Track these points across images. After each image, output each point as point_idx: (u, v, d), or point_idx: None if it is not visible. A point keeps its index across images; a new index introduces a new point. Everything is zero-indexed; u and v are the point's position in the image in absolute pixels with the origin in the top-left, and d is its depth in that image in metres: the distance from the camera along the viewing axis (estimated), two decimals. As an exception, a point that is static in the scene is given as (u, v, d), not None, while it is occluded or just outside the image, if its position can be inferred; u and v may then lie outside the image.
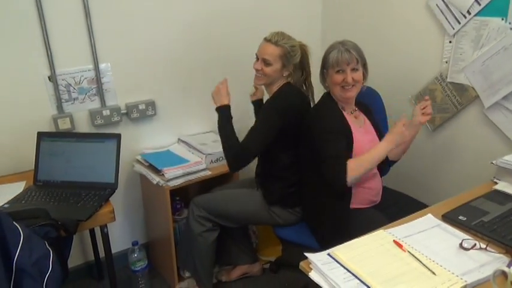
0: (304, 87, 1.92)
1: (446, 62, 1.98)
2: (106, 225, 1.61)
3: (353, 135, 1.67)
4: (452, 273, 1.11)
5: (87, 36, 1.96)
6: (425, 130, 2.12)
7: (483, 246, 1.21)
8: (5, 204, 1.55)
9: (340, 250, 1.23)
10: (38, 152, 1.76)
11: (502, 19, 1.73)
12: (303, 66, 1.87)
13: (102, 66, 2.03)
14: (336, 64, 1.65)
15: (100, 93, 2.06)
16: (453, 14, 1.89)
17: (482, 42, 1.81)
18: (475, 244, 1.21)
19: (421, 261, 1.17)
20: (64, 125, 1.97)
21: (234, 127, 1.77)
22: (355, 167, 1.56)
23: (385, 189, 1.84)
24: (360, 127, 1.76)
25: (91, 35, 1.96)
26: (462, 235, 1.28)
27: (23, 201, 1.60)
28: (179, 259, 2.09)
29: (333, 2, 2.52)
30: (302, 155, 1.80)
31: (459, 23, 1.88)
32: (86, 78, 2.02)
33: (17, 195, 1.65)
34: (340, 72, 1.65)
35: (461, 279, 1.09)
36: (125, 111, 2.13)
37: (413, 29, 2.08)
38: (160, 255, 2.19)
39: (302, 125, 1.76)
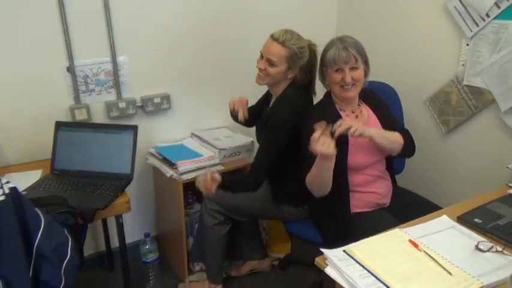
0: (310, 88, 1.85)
1: (463, 65, 1.97)
2: (121, 216, 1.63)
3: (349, 139, 1.59)
4: (469, 274, 1.12)
5: (105, 29, 1.98)
6: (439, 132, 2.12)
7: (499, 249, 1.21)
8: (23, 191, 1.57)
9: (356, 247, 1.23)
10: (55, 141, 1.78)
11: (522, 23, 1.72)
12: (310, 67, 1.77)
13: (119, 59, 2.05)
14: (333, 63, 1.57)
15: (116, 85, 2.08)
16: (471, 17, 1.89)
17: (501, 46, 1.81)
18: (492, 246, 1.21)
19: (437, 261, 1.17)
20: (81, 115, 1.99)
21: None
22: (310, 181, 1.56)
23: (398, 190, 1.83)
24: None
25: (109, 28, 1.98)
26: (478, 237, 1.29)
27: (41, 189, 1.62)
28: (191, 252, 2.11)
29: (349, 0, 2.52)
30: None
31: (477, 25, 1.87)
32: (103, 70, 2.04)
33: (34, 183, 1.67)
34: (338, 71, 1.58)
35: (478, 280, 1.09)
36: (140, 104, 2.15)
37: (430, 31, 2.08)
38: (171, 248, 2.21)
39: None
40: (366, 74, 1.65)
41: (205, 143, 2.22)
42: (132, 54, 2.07)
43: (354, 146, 1.62)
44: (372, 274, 1.13)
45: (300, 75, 1.75)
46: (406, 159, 1.99)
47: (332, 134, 1.45)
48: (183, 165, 1.99)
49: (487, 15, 1.83)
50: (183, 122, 2.33)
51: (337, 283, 1.17)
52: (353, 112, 1.70)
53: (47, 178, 1.71)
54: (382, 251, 1.22)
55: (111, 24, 1.98)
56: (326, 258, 1.21)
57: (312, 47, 1.76)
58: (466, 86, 1.97)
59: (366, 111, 1.73)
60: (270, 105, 1.85)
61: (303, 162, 1.60)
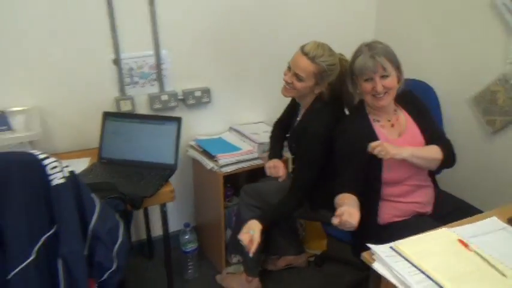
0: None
1: (511, 63, 1.90)
2: (165, 204, 1.67)
3: None
4: (524, 277, 1.08)
5: (150, 23, 2.02)
6: (484, 133, 2.06)
7: (555, 251, 1.17)
8: (74, 177, 1.62)
9: (404, 244, 1.22)
10: (102, 130, 1.84)
11: None
12: (340, 83, 1.69)
13: (162, 52, 2.09)
14: (361, 72, 1.50)
15: (159, 78, 2.13)
16: (522, 13, 1.82)
17: (553, 43, 1.74)
18: (548, 249, 1.17)
19: (489, 262, 1.14)
20: (125, 107, 2.05)
21: None
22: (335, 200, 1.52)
23: (441, 196, 1.75)
24: (398, 137, 1.60)
25: (154, 22, 2.02)
26: (531, 239, 1.25)
27: (90, 176, 1.68)
28: (228, 244, 2.13)
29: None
30: None
31: (528, 22, 1.81)
32: (147, 63, 2.09)
33: (83, 171, 1.73)
34: (368, 80, 1.50)
35: (535, 283, 1.06)
36: (181, 97, 2.19)
37: (476, 27, 2.01)
38: (209, 239, 2.24)
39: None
40: (399, 79, 1.55)
41: (244, 137, 2.24)
42: (175, 48, 2.11)
43: (388, 160, 1.53)
44: (421, 271, 1.11)
45: (326, 91, 1.71)
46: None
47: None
48: (223, 158, 2.02)
49: (540, 11, 1.76)
50: (221, 116, 2.35)
51: (383, 279, 1.16)
52: (389, 121, 1.61)
53: (94, 166, 1.77)
54: (430, 249, 1.20)
55: (156, 19, 2.02)
56: (373, 254, 1.20)
57: (343, 63, 1.70)
58: (515, 85, 1.91)
59: (404, 118, 1.63)
60: (300, 118, 1.84)
61: (337, 175, 1.58)
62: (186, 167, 2.30)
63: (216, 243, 2.16)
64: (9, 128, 1.56)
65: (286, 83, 1.73)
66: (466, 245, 1.22)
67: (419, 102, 1.70)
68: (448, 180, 1.94)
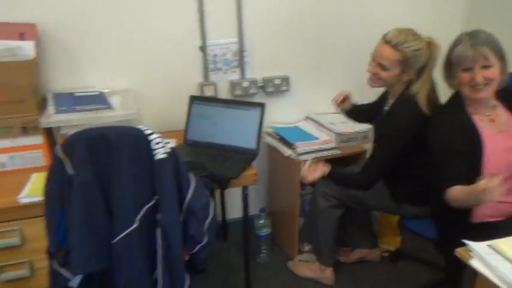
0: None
1: None
2: (247, 187, 1.71)
3: (484, 146, 1.44)
4: None
5: (235, 12, 2.07)
6: None
7: None
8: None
9: (505, 244, 1.15)
10: (189, 113, 1.92)
11: None
12: (430, 68, 1.63)
13: (246, 40, 2.14)
14: (460, 62, 1.42)
15: (241, 65, 2.18)
16: None
17: None
18: None
19: None
20: (209, 92, 2.12)
21: None
22: (453, 199, 1.42)
23: None
24: (499, 132, 1.49)
25: (240, 10, 2.07)
26: None
27: (178, 156, 1.75)
28: (302, 232, 2.14)
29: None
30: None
31: None
32: (230, 50, 2.14)
33: (171, 150, 1.81)
34: (467, 70, 1.42)
35: None
36: (261, 84, 2.23)
37: None
38: (282, 226, 2.27)
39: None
40: (503, 71, 1.45)
41: (322, 126, 2.22)
42: (258, 36, 2.15)
43: (489, 156, 1.45)
44: (526, 271, 1.04)
45: (416, 79, 1.64)
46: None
47: None
48: (301, 147, 2.02)
49: None
50: (299, 105, 2.36)
51: (480, 277, 1.11)
52: (487, 115, 1.52)
53: (181, 147, 1.86)
54: (535, 249, 1.13)
55: (241, 7, 2.06)
56: (470, 251, 1.15)
57: (431, 46, 1.62)
58: None
59: (505, 116, 1.53)
60: (388, 107, 1.79)
61: (437, 170, 1.50)
62: (262, 153, 2.31)
63: (289, 230, 2.18)
64: (109, 107, 1.68)
65: (372, 73, 1.70)
66: None
67: None
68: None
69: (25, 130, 1.64)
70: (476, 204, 1.42)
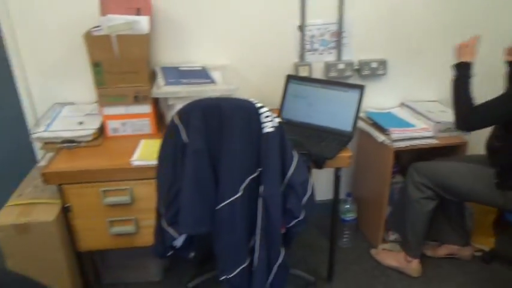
0: None
1: None
2: (340, 169, 1.70)
3: None
4: None
5: (337, -9, 2.03)
6: None
7: None
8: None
9: None
10: (284, 92, 1.94)
11: None
12: None
13: (345, 21, 2.09)
14: None
15: (338, 47, 2.14)
16: None
17: None
18: None
19: None
20: (303, 72, 2.12)
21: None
22: None
23: None
24: None
25: (341, -10, 2.03)
26: None
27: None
28: (388, 221, 2.09)
29: None
30: None
31: None
32: (329, 31, 2.11)
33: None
34: None
35: None
36: (357, 67, 2.18)
37: None
38: (367, 213, 2.23)
39: None
40: None
41: (418, 114, 2.13)
42: (357, 17, 2.09)
43: None
44: None
45: None
46: None
47: None
48: (396, 133, 1.96)
49: None
50: (394, 91, 2.28)
51: None
52: None
53: (275, 125, 1.89)
54: None
55: (343, -13, 2.02)
56: None
57: None
58: None
59: None
60: None
61: None
62: (352, 137, 2.30)
63: (375, 217, 2.14)
64: (212, 82, 1.76)
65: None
66: None
67: None
68: None
69: (137, 99, 1.78)
70: None
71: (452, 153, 2.04)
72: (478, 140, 1.91)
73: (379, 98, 2.27)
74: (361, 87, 1.79)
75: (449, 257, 2.09)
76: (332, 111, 1.83)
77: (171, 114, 1.71)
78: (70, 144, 1.71)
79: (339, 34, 2.12)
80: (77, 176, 1.57)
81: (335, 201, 1.78)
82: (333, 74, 2.16)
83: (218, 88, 1.72)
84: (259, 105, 1.23)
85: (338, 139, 1.74)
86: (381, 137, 2.00)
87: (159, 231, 1.42)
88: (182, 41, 2.04)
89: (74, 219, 1.65)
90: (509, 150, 1.69)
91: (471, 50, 1.71)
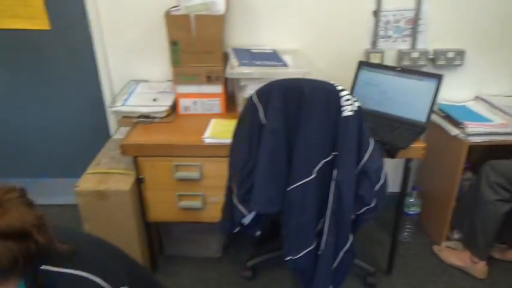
0: None
1: None
2: (411, 160, 1.65)
3: None
4: None
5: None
6: None
7: None
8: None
9: None
10: (355, 79, 1.90)
11: None
12: None
13: (423, 7, 2.00)
14: None
15: (413, 34, 2.06)
16: None
17: None
18: None
19: None
20: (375, 59, 2.07)
21: None
22: None
23: None
24: None
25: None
26: None
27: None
28: (454, 219, 2.01)
29: None
30: None
31: None
32: (404, 17, 2.03)
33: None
34: None
35: None
36: (432, 56, 2.08)
37: None
38: (432, 208, 2.15)
39: None
40: None
41: (496, 109, 2.01)
42: (435, 5, 1.99)
43: None
44: None
45: None
46: None
47: None
48: (472, 127, 1.86)
49: None
50: (469, 83, 2.16)
51: None
52: None
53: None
54: None
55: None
56: None
57: None
58: None
59: None
60: None
61: None
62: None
63: (440, 214, 2.06)
64: (284, 65, 1.76)
65: None
66: None
67: None
68: None
69: (209, 79, 1.82)
70: None
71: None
72: None
73: (452, 90, 2.16)
74: (439, 77, 1.71)
75: (520, 261, 1.98)
76: (405, 100, 1.77)
77: (242, 95, 1.75)
78: (145, 119, 1.79)
79: (415, 21, 2.03)
80: (152, 149, 1.65)
81: (402, 194, 1.73)
82: (405, 62, 2.08)
83: (291, 71, 1.72)
84: (340, 87, 1.22)
85: (411, 129, 1.69)
86: (454, 131, 1.91)
87: (229, 208, 1.46)
88: (253, 24, 2.05)
89: (146, 190, 1.73)
90: None
91: None
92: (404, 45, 2.09)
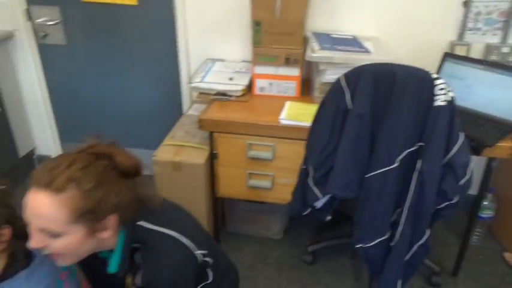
0: None
1: None
2: (495, 160, 1.57)
3: None
4: None
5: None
6: None
7: None
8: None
9: None
10: (438, 71, 1.82)
11: None
12: None
13: (521, -2, 1.86)
14: None
15: (505, 28, 1.93)
16: None
17: None
18: None
19: None
20: (460, 52, 1.96)
21: None
22: None
23: None
24: None
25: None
26: None
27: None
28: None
29: None
30: None
31: None
32: (498, 9, 1.91)
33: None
34: None
35: None
36: (524, 52, 1.94)
37: None
38: (507, 213, 2.04)
39: None
40: None
41: None
42: (536, -4, 1.85)
43: None
44: None
45: None
46: None
47: None
48: None
49: None
50: None
51: None
52: None
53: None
54: None
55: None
56: None
57: None
58: None
59: None
60: None
61: None
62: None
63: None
64: (367, 51, 1.72)
65: None
66: None
67: None
68: None
69: (287, 61, 1.83)
70: None
71: None
72: None
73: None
74: (534, 74, 1.60)
75: None
76: (493, 96, 1.67)
77: (319, 80, 1.74)
78: (222, 97, 1.83)
79: (509, 14, 1.90)
80: (228, 126, 1.69)
81: (480, 195, 1.65)
82: (493, 57, 1.96)
83: (374, 58, 1.68)
84: (435, 76, 1.17)
85: (497, 127, 1.60)
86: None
87: (302, 189, 1.46)
88: (333, 9, 2.02)
89: (218, 166, 1.78)
90: None
91: None
92: (494, 39, 1.97)
